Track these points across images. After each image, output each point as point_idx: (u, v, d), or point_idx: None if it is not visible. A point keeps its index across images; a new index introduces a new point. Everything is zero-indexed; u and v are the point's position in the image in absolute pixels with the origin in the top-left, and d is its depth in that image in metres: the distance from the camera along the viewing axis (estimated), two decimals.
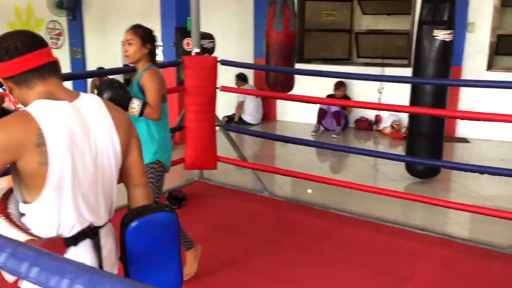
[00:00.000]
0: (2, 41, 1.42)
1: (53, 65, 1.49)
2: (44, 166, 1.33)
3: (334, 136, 7.29)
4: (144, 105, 2.75)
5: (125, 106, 2.68)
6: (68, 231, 1.44)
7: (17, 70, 1.40)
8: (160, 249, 1.52)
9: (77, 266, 0.67)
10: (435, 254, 3.55)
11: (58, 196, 1.38)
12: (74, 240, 1.44)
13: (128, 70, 3.82)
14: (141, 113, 2.74)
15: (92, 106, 1.49)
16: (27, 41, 1.42)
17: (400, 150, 6.59)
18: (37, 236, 1.38)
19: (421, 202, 3.93)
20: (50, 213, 1.39)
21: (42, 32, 10.67)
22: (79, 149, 1.41)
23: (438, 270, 3.32)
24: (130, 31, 2.89)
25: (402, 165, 5.22)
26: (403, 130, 7.10)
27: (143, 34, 2.85)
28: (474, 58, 7.05)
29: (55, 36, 10.53)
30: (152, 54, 2.90)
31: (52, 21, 10.46)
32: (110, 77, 2.86)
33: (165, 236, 1.53)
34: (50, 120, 1.36)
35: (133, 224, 1.45)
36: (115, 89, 2.71)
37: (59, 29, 10.44)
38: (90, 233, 1.48)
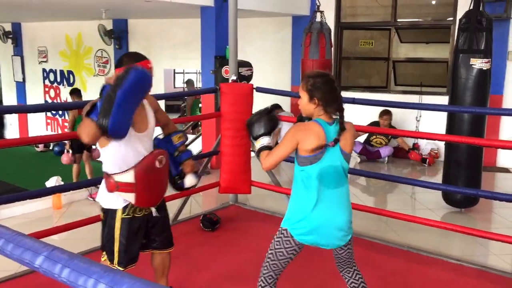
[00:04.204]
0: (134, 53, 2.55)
1: None
2: None
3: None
4: (266, 149, 2.43)
5: (254, 133, 2.49)
6: None
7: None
8: None
9: (102, 268, 0.76)
10: (470, 285, 3.48)
11: None
12: None
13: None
14: (258, 152, 2.45)
15: None
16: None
17: (438, 178, 6.48)
18: None
19: (458, 231, 3.85)
20: None
21: (90, 60, 11.23)
22: None
23: None
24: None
25: (439, 194, 5.14)
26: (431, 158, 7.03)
27: (310, 87, 2.39)
28: None
29: (103, 64, 11.05)
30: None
31: (100, 49, 10.99)
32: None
33: None
34: None
35: None
36: (265, 120, 2.49)
37: (106, 57, 10.95)
38: None
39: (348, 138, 2.42)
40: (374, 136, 7.47)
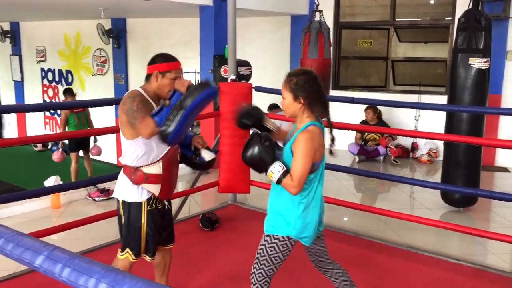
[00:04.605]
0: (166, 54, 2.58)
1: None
2: None
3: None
4: (286, 173, 2.26)
5: (263, 167, 2.31)
6: None
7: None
8: None
9: (103, 267, 0.75)
10: (469, 284, 3.48)
11: None
12: None
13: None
14: (279, 181, 2.27)
15: None
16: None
17: (437, 178, 6.49)
18: None
19: (456, 231, 3.86)
20: None
21: (89, 59, 11.21)
22: None
23: None
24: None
25: (438, 193, 5.14)
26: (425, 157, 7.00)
27: (293, 86, 2.32)
28: None
29: (101, 63, 11.03)
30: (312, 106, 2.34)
31: (98, 49, 10.97)
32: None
33: None
34: None
35: None
36: (265, 148, 2.30)
37: (104, 56, 10.93)
38: None
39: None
40: (367, 133, 7.49)
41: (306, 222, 2.36)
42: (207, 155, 2.83)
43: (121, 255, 2.64)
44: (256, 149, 2.30)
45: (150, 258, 2.67)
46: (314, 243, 2.54)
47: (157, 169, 2.54)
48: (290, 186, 2.26)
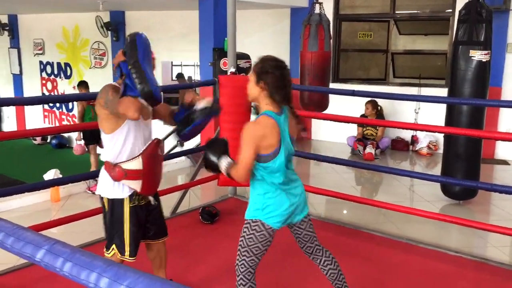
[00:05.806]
0: None
1: None
2: None
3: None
4: (231, 165, 2.33)
5: (215, 169, 2.42)
6: None
7: None
8: None
9: (104, 261, 0.75)
10: (469, 277, 3.48)
11: None
12: None
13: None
14: (228, 174, 2.35)
15: None
16: None
17: (437, 171, 6.49)
18: None
19: (456, 223, 3.86)
20: None
21: (87, 52, 11.16)
22: None
23: None
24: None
25: (438, 186, 5.14)
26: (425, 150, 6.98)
27: (258, 70, 2.35)
28: None
29: (99, 56, 10.99)
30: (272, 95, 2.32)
31: (96, 41, 10.92)
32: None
33: None
34: None
35: None
36: (209, 152, 2.42)
37: (103, 49, 10.88)
38: None
39: (291, 123, 2.43)
40: (365, 128, 7.48)
41: (278, 206, 2.35)
42: (202, 103, 2.59)
43: (108, 253, 2.60)
44: (205, 154, 2.44)
45: (131, 258, 2.59)
46: (300, 227, 2.52)
47: (136, 164, 2.49)
48: (235, 176, 2.30)
